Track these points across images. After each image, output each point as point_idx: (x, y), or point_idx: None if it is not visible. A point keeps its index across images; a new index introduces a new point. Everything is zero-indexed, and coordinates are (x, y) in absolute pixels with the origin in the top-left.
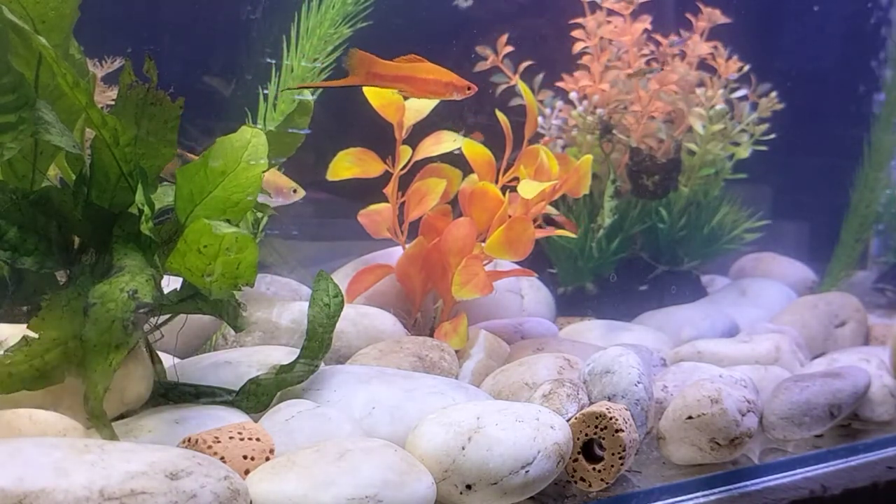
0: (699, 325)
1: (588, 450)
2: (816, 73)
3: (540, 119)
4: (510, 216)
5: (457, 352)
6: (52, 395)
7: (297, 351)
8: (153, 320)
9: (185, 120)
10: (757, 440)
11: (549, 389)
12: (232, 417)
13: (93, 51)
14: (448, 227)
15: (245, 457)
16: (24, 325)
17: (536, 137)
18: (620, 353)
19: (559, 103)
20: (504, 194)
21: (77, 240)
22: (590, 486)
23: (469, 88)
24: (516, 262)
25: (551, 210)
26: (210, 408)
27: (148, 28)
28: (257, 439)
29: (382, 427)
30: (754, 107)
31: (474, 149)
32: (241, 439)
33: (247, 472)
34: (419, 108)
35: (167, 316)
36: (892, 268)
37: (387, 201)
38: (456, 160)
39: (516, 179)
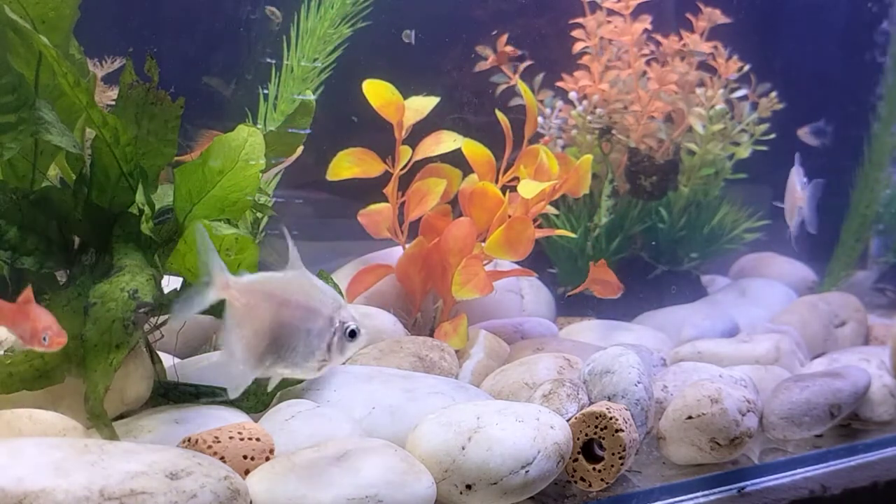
0: (699, 325)
1: (588, 450)
2: (816, 73)
3: (540, 119)
4: (510, 216)
5: (457, 352)
6: (52, 395)
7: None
8: (153, 320)
9: (185, 120)
10: (757, 440)
11: (549, 389)
12: (232, 417)
13: (92, 51)
14: (448, 227)
15: (245, 457)
16: None
17: (536, 137)
18: (620, 352)
19: (559, 103)
20: (504, 194)
21: (77, 240)
22: (590, 485)
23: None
24: (516, 262)
25: (551, 210)
26: (210, 408)
27: (147, 28)
28: (257, 439)
29: (382, 427)
30: (754, 107)
31: (474, 149)
32: (241, 439)
33: (247, 472)
34: (419, 107)
35: (167, 316)
36: (892, 268)
37: (387, 201)
38: (456, 160)
39: (516, 179)
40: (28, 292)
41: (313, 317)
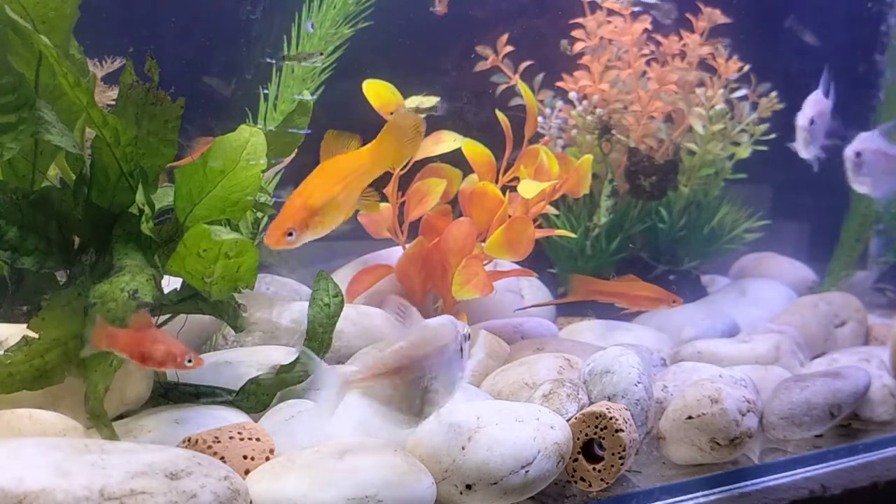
0: (699, 325)
1: (588, 450)
2: (816, 72)
3: (540, 119)
4: (510, 216)
5: None
6: (52, 395)
7: (297, 351)
8: (153, 320)
9: (184, 120)
10: (757, 440)
11: (549, 389)
12: (232, 417)
13: (92, 51)
14: (448, 227)
15: (245, 457)
16: (24, 325)
17: (536, 137)
18: (620, 353)
19: (559, 103)
20: (504, 194)
21: (77, 240)
22: (590, 485)
23: (674, 301)
24: (516, 262)
25: (551, 210)
26: (210, 408)
27: (147, 28)
28: (257, 439)
29: (382, 427)
30: (754, 107)
31: (474, 149)
32: (241, 439)
33: (247, 472)
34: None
35: (167, 316)
36: (892, 268)
37: (387, 201)
38: (456, 160)
39: (516, 179)
40: (147, 318)
41: (442, 353)
